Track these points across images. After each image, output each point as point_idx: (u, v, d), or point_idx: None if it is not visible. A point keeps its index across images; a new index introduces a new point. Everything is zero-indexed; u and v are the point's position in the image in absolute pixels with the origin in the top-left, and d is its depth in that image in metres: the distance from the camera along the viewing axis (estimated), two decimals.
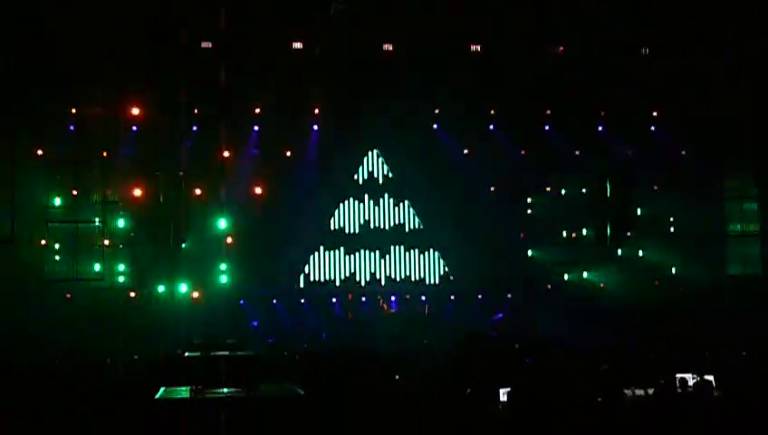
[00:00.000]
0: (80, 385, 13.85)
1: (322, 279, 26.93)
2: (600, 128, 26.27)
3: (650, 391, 11.95)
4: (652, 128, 26.16)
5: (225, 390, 12.93)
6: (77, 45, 21.02)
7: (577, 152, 26.38)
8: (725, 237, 25.91)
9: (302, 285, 26.73)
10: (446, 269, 27.45)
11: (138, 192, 22.48)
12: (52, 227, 23.26)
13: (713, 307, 23.17)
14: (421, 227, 27.45)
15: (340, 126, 25.75)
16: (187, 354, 14.52)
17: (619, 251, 26.42)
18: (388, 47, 23.23)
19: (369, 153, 27.39)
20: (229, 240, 22.75)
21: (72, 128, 23.56)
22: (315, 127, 25.98)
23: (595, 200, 26.26)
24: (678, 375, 12.16)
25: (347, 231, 27.15)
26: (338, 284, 26.92)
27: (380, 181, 27.39)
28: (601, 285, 26.64)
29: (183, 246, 20.77)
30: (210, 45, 21.86)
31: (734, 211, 25.89)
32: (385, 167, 27.42)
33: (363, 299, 26.60)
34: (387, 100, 24.68)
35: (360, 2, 21.40)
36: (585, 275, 26.75)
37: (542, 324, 24.13)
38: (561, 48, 23.76)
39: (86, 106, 23.19)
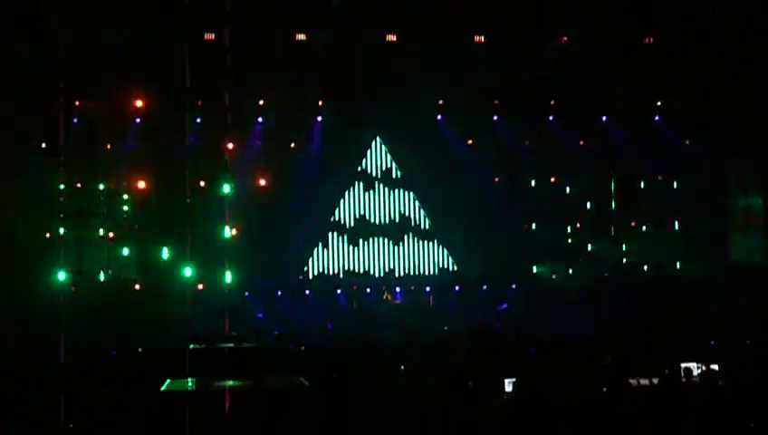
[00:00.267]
0: (84, 378, 13.87)
1: (327, 270, 26.95)
2: (605, 118, 26.25)
3: (655, 381, 11.97)
4: (656, 118, 26.17)
5: (231, 382, 12.94)
6: (80, 37, 20.98)
7: (581, 142, 26.38)
8: (729, 229, 25.94)
9: (307, 276, 26.75)
10: (451, 260, 27.45)
11: (142, 184, 22.48)
12: (57, 219, 23.26)
13: (716, 297, 23.17)
14: (425, 218, 27.44)
15: (343, 118, 25.74)
16: (192, 347, 14.54)
17: (623, 246, 26.49)
18: (391, 38, 23.20)
19: (373, 145, 27.38)
20: (234, 232, 22.73)
21: (75, 120, 23.56)
22: (319, 119, 25.98)
23: (598, 191, 26.33)
24: (683, 365, 12.17)
25: (351, 222, 27.17)
26: (342, 275, 26.94)
27: (384, 173, 27.37)
28: (605, 273, 26.63)
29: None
30: (213, 37, 21.83)
31: (737, 204, 25.94)
32: (388, 157, 27.41)
33: (368, 290, 26.64)
34: (390, 91, 24.64)
35: None
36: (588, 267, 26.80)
37: (544, 316, 24.12)
38: (565, 38, 23.71)
39: (90, 99, 23.18)
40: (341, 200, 27.16)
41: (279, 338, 20.27)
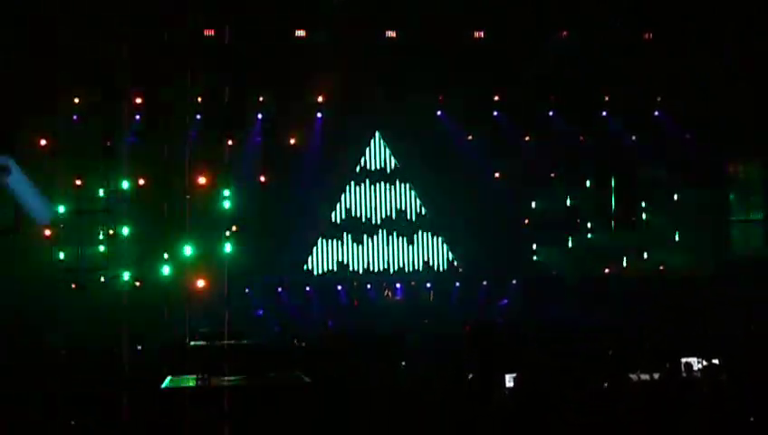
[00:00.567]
0: (86, 375, 13.87)
1: (327, 267, 26.95)
2: (605, 113, 26.24)
3: (656, 376, 11.96)
4: (656, 113, 26.18)
5: (231, 378, 12.94)
6: (79, 33, 20.98)
7: (581, 138, 26.38)
8: (729, 222, 25.97)
9: (307, 272, 26.76)
10: (451, 256, 27.44)
11: (142, 181, 22.45)
12: (57, 216, 23.25)
13: (716, 290, 23.19)
14: (426, 213, 27.42)
15: (344, 113, 25.73)
16: (192, 343, 14.54)
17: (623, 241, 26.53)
18: (391, 34, 23.20)
19: (373, 140, 27.36)
20: (234, 229, 22.72)
21: (75, 117, 23.55)
22: (319, 114, 25.96)
23: (599, 187, 26.36)
24: (684, 360, 12.17)
25: (352, 218, 27.15)
26: (343, 271, 26.93)
27: (384, 168, 27.35)
28: (606, 270, 26.66)
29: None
30: (213, 33, 21.82)
31: (738, 198, 25.96)
32: (387, 151, 27.38)
33: (368, 286, 26.64)
34: (390, 87, 24.63)
35: None
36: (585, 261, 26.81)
37: (547, 309, 24.15)
38: (565, 32, 23.71)
39: (89, 95, 23.16)
40: (342, 196, 27.15)
41: (280, 335, 20.28)
